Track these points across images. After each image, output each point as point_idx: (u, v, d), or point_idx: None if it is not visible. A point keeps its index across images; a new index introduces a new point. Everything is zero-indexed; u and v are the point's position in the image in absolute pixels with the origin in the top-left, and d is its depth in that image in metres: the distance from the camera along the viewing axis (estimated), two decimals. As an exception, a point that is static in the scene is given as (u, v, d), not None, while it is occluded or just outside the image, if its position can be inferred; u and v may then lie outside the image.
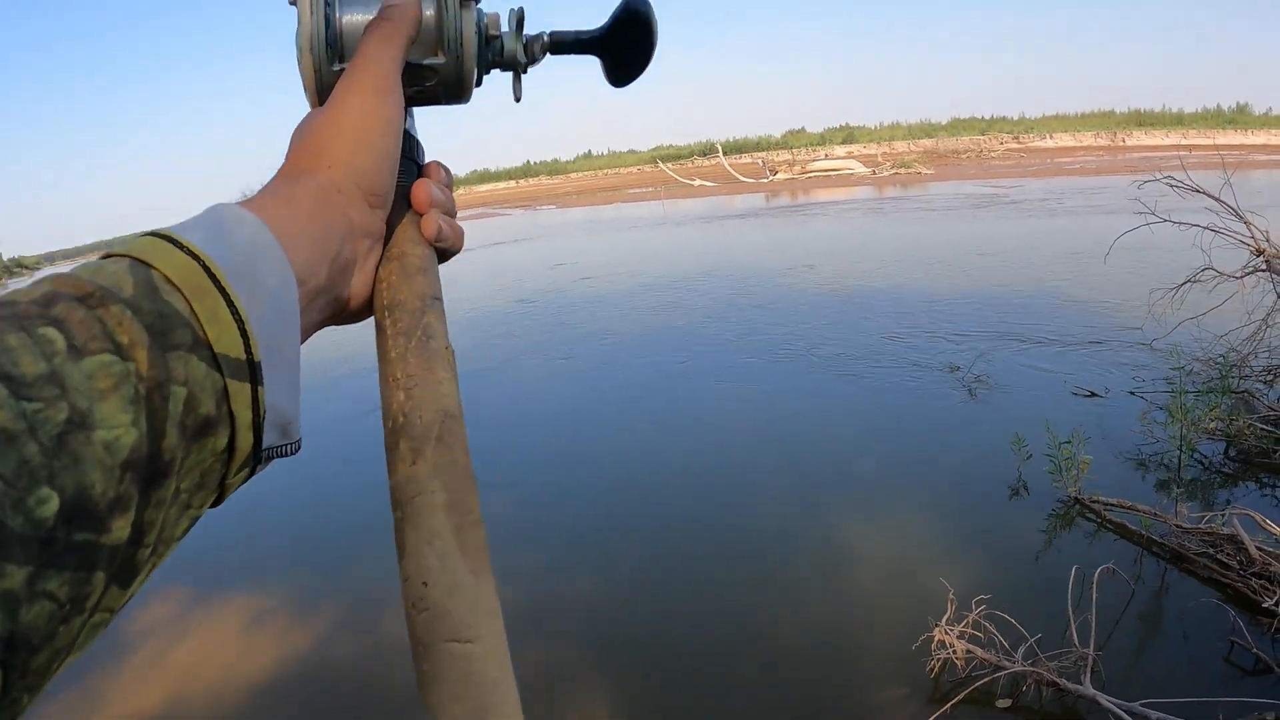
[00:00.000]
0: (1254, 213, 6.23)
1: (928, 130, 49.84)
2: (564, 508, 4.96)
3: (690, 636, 3.56)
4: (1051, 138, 42.89)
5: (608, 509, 4.85)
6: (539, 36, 0.59)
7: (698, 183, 37.29)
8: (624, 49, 0.59)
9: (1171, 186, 6.53)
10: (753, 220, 21.72)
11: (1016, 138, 44.11)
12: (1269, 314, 6.02)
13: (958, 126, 49.49)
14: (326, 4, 0.51)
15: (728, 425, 6.10)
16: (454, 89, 0.56)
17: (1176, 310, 6.37)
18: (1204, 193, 6.47)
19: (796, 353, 7.97)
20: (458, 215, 0.54)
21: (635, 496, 5.00)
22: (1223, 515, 3.79)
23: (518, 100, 0.60)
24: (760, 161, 39.14)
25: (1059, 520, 4.30)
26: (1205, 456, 4.97)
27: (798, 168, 36.88)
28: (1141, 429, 5.26)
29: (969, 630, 3.12)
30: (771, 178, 35.72)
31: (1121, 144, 38.21)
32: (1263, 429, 4.98)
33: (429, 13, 0.53)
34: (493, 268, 17.18)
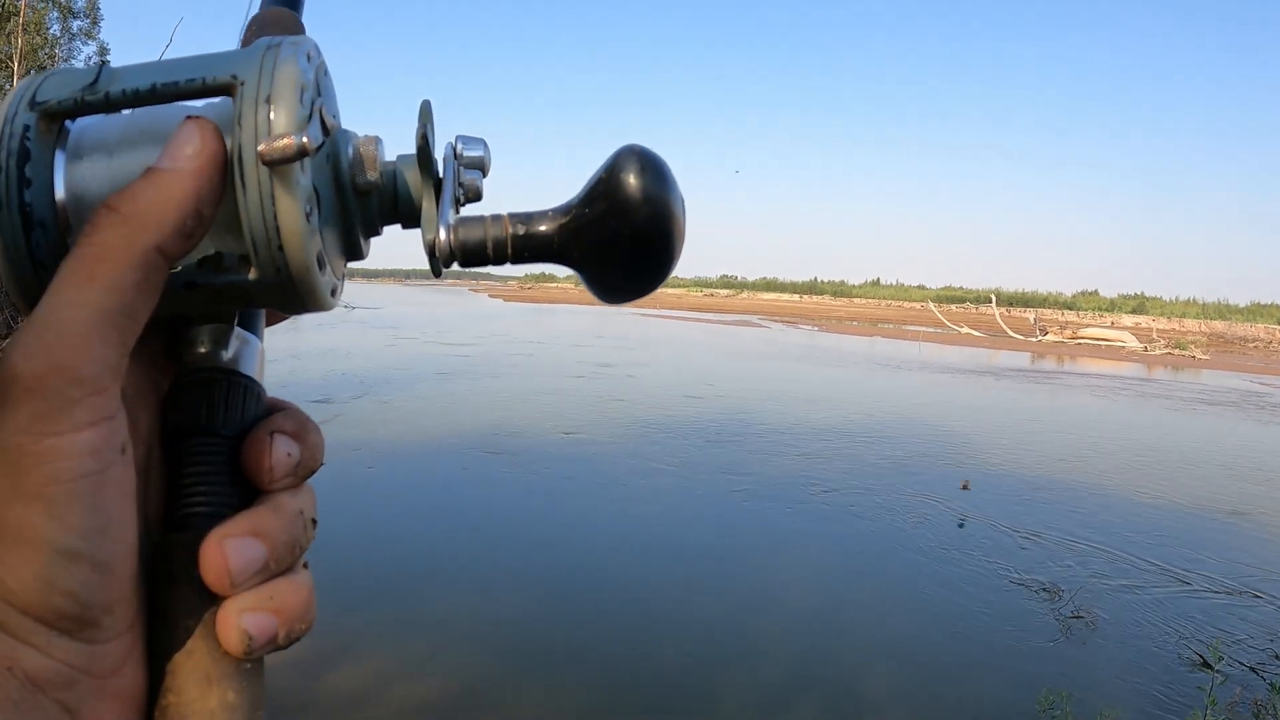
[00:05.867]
0: None
1: (1222, 311, 48.07)
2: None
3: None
4: (1359, 337, 39.51)
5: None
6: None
7: (964, 330, 39.03)
8: (605, 245, 0.35)
9: None
10: (994, 379, 21.03)
11: (1318, 332, 41.34)
12: None
13: (1255, 312, 47.23)
14: (27, 146, 0.30)
15: (759, 595, 5.44)
16: (280, 299, 0.33)
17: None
18: None
19: (890, 526, 7.05)
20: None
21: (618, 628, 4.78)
22: None
23: (437, 275, 0.36)
24: (1034, 319, 40.18)
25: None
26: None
27: (1069, 331, 37.59)
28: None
29: None
30: (1040, 337, 36.61)
31: None
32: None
33: (206, 186, 0.30)
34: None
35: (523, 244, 0.36)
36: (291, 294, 0.33)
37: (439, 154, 0.37)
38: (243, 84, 0.31)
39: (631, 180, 0.35)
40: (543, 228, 0.37)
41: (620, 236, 0.35)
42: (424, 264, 0.37)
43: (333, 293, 0.35)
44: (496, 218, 0.37)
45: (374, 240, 0.38)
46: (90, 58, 26.40)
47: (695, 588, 5.48)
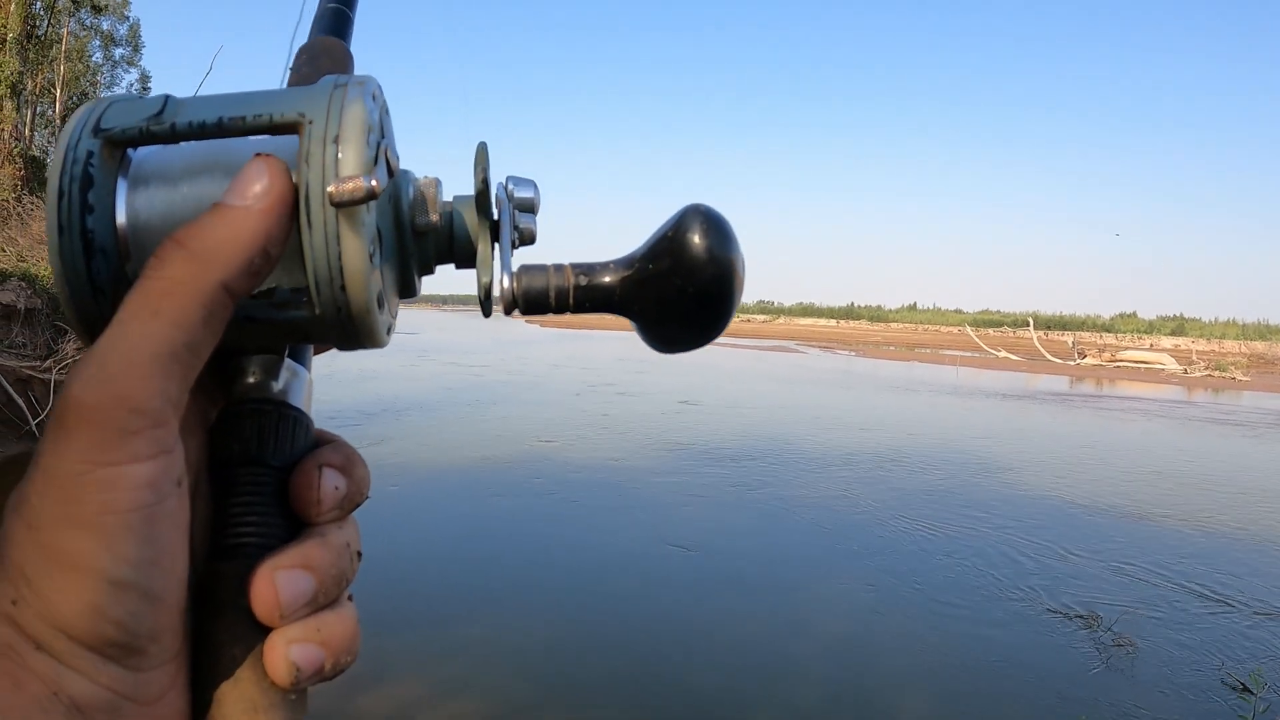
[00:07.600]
0: None
1: (1262, 332, 47.18)
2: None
3: None
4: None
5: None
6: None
7: (1002, 354, 38.60)
8: (667, 301, 0.36)
9: None
10: (1027, 403, 20.99)
11: (1363, 350, 40.22)
12: None
13: (1296, 331, 46.41)
14: (90, 172, 0.30)
15: (785, 627, 5.33)
16: (338, 336, 0.34)
17: None
18: None
19: (935, 556, 6.89)
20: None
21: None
22: None
23: (486, 315, 0.38)
24: (1072, 342, 39.70)
25: None
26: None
27: (1107, 354, 37.14)
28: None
29: None
30: (1079, 361, 36.20)
31: None
32: None
33: (275, 225, 0.30)
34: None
35: (584, 294, 0.37)
36: (350, 332, 0.33)
37: (492, 194, 0.37)
38: (310, 123, 0.30)
39: (697, 240, 0.35)
40: (606, 279, 0.37)
41: (684, 294, 0.36)
42: (462, 289, 0.41)
43: (388, 330, 0.35)
44: (559, 267, 0.37)
45: None
46: (132, 85, 27.11)
47: (728, 612, 5.46)
